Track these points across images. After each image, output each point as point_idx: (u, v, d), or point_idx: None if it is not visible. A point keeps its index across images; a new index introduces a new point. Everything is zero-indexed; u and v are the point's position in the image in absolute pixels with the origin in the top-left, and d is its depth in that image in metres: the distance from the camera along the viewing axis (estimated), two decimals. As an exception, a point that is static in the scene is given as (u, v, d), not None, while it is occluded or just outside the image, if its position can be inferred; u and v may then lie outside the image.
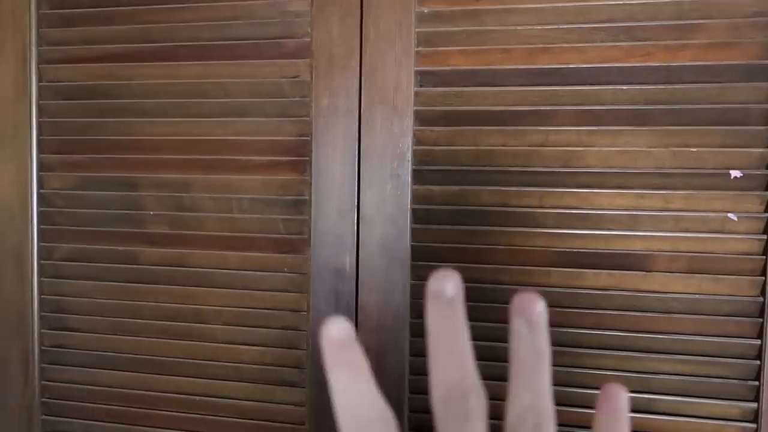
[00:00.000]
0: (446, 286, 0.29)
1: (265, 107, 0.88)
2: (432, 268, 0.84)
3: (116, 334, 0.93)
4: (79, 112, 0.93)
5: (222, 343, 0.90)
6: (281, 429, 0.89)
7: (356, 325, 0.85)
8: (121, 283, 0.93)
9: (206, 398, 0.91)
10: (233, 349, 0.90)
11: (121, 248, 0.93)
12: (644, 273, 0.78)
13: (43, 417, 0.96)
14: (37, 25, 0.94)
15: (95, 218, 0.94)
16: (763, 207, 0.75)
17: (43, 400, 0.96)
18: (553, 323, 0.80)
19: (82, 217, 0.94)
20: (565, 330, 0.80)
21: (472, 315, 0.83)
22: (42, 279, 0.95)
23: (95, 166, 0.93)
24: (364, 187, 0.84)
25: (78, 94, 0.93)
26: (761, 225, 0.75)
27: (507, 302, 0.81)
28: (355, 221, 0.85)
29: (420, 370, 0.84)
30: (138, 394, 0.93)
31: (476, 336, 0.82)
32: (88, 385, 0.94)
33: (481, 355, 0.82)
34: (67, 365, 0.95)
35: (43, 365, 0.96)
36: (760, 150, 0.75)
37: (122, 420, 0.93)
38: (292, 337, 0.88)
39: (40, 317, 0.96)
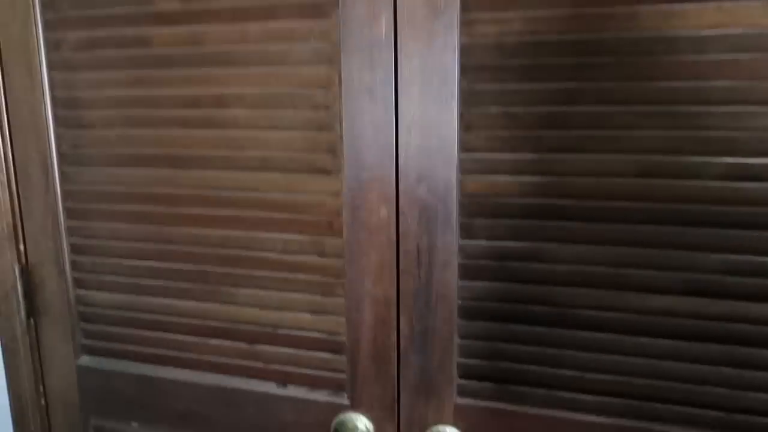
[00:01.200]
0: None
1: None
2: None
3: (133, 127, 0.83)
4: None
5: (245, 128, 0.79)
6: (316, 223, 0.78)
7: (396, 97, 0.71)
8: (133, 71, 0.82)
9: (235, 192, 0.81)
10: (258, 137, 0.78)
11: (130, 31, 0.81)
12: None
13: (69, 222, 0.90)
14: None
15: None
16: None
17: (66, 205, 0.89)
18: (643, 77, 0.64)
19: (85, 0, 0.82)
20: (658, 84, 0.63)
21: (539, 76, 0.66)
22: (52, 72, 0.86)
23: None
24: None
25: None
26: None
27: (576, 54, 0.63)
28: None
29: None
30: (161, 193, 0.84)
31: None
32: (109, 184, 0.86)
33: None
34: (87, 165, 0.87)
35: (64, 169, 0.88)
36: None
37: (148, 221, 0.85)
38: (323, 118, 0.76)
39: (54, 116, 0.87)
